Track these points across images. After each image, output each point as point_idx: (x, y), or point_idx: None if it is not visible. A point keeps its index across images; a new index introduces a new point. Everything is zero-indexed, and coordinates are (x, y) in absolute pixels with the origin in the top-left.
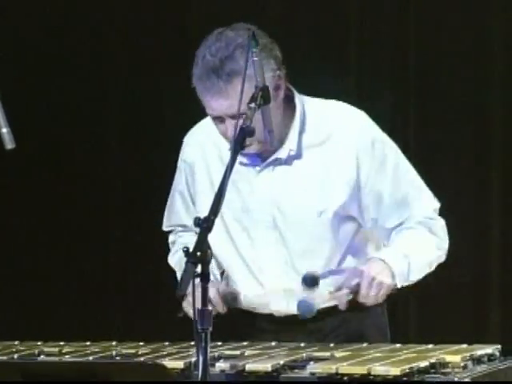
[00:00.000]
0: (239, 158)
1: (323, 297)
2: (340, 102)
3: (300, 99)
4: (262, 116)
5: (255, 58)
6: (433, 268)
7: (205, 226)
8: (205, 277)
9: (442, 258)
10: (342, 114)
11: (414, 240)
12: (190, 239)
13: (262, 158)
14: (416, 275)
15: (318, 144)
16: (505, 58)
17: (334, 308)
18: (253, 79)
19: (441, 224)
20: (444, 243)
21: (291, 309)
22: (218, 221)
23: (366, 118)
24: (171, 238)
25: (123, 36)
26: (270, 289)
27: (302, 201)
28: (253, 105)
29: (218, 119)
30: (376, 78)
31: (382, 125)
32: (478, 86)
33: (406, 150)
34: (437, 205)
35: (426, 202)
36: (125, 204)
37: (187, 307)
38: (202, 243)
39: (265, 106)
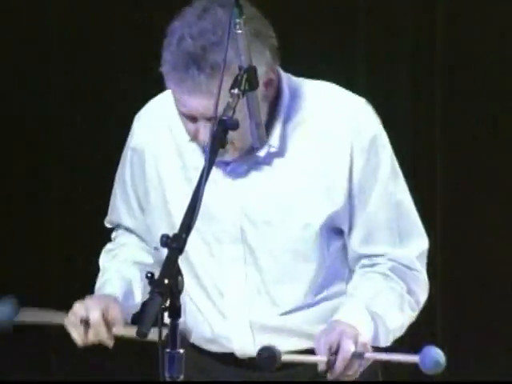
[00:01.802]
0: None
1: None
2: (338, 88)
3: (288, 83)
4: (248, 105)
5: (239, 31)
6: (402, 332)
7: (174, 246)
8: (175, 311)
9: (413, 319)
10: (339, 103)
11: (386, 298)
12: (132, 240)
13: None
14: (383, 341)
15: (306, 140)
16: None
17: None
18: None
19: (421, 278)
20: (418, 304)
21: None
22: (169, 229)
23: (367, 109)
24: (113, 234)
25: None
26: (233, 319)
27: (281, 209)
28: (236, 91)
29: (190, 118)
30: (391, 63)
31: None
32: None
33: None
34: (425, 246)
35: (413, 243)
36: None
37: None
38: (171, 268)
39: (251, 92)
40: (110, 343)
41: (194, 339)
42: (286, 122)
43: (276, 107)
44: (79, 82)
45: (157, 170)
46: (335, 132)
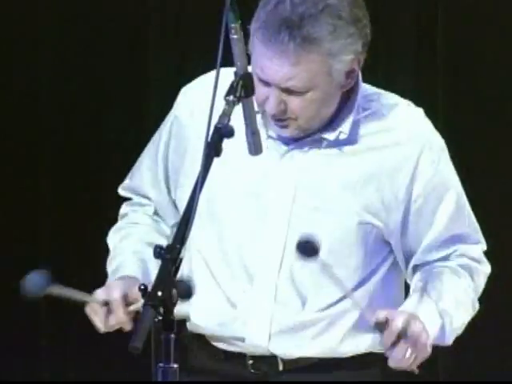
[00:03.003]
0: (264, 129)
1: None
2: (403, 99)
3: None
4: (244, 112)
5: (235, 36)
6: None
7: (168, 257)
8: (168, 324)
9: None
10: (410, 112)
11: (454, 294)
12: (145, 220)
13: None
14: (447, 339)
15: (374, 138)
16: None
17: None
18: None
19: (487, 272)
20: (479, 291)
21: (274, 345)
22: (202, 203)
23: (431, 123)
24: (123, 208)
25: None
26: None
27: (333, 197)
28: (231, 97)
29: (264, 82)
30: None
31: None
32: None
33: None
34: (484, 247)
35: (476, 243)
36: None
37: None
38: (165, 280)
39: (246, 98)
40: (128, 326)
41: (208, 322)
42: (357, 119)
43: (351, 98)
44: (72, 82)
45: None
46: (405, 139)
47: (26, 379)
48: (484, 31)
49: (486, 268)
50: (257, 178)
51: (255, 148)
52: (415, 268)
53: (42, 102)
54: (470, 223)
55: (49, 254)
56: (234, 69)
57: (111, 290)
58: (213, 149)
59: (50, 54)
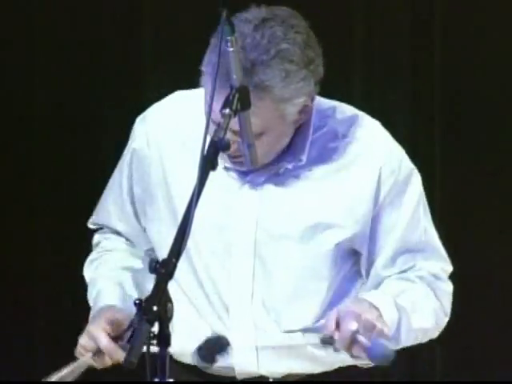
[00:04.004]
0: (221, 161)
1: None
2: (358, 111)
3: (317, 104)
4: (240, 125)
5: (230, 49)
6: (423, 340)
7: (164, 271)
8: (164, 339)
9: (435, 334)
10: (368, 126)
11: (412, 296)
12: (119, 246)
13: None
14: (404, 339)
15: (332, 159)
16: None
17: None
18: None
19: (448, 290)
20: (445, 315)
21: (263, 368)
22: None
23: (390, 136)
24: (96, 237)
25: None
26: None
27: (300, 223)
28: (227, 111)
29: (216, 124)
30: (388, 77)
31: (396, 139)
32: None
33: (429, 174)
34: (449, 268)
35: (437, 260)
36: None
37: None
38: (161, 294)
39: (243, 111)
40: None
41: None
42: (313, 139)
43: (306, 123)
44: (67, 84)
45: (164, 175)
46: (364, 155)
47: (24, 379)
48: (483, 35)
49: (446, 286)
50: (218, 210)
51: (251, 160)
52: (375, 283)
53: (39, 103)
54: (427, 238)
55: (48, 255)
56: (195, 91)
57: (97, 337)
58: (209, 162)
59: (49, 54)
